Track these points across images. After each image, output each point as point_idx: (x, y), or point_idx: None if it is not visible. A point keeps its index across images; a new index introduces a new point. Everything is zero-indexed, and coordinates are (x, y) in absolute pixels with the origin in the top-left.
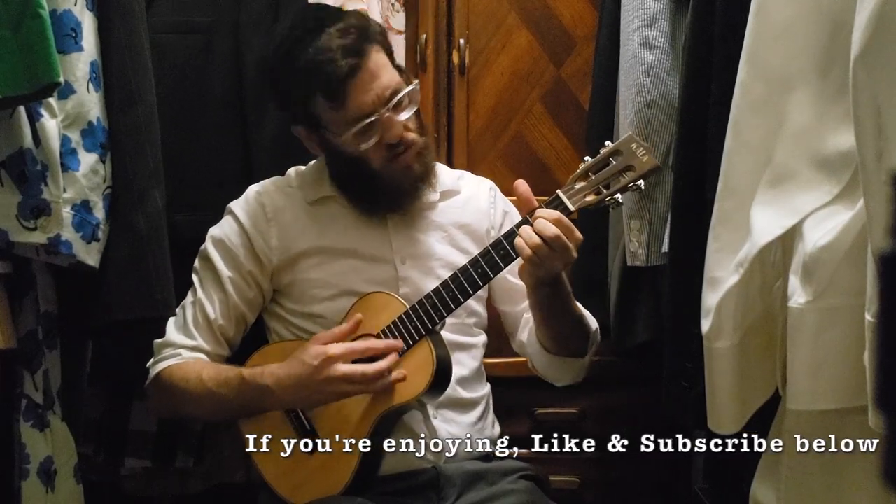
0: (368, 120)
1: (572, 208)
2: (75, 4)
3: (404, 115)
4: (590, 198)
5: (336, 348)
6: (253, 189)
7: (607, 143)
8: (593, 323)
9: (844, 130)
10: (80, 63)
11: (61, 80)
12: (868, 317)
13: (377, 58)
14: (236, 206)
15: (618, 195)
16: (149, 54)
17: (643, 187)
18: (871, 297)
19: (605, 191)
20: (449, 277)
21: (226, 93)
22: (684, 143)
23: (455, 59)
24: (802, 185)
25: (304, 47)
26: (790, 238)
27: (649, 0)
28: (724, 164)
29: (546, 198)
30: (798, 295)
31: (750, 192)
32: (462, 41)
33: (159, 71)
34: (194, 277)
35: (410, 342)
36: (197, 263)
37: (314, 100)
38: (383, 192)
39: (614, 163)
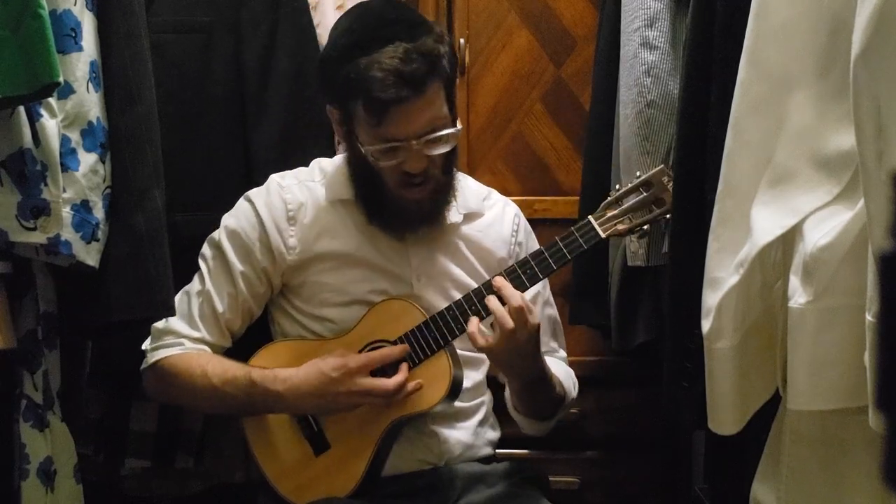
0: (396, 144)
1: (603, 235)
2: (75, 4)
3: (434, 152)
4: (621, 227)
5: (355, 361)
6: (275, 181)
7: (638, 173)
8: (570, 391)
9: (844, 130)
10: (80, 63)
11: (61, 80)
12: (868, 317)
13: (433, 95)
14: (257, 197)
15: (647, 226)
16: (149, 54)
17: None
18: (871, 297)
19: (634, 221)
20: (472, 290)
21: (226, 92)
22: (684, 143)
23: None
24: (802, 185)
25: (363, 53)
26: (790, 238)
27: (649, 0)
28: (724, 164)
29: (547, 198)
30: (798, 295)
31: (750, 192)
32: (462, 41)
33: (159, 71)
34: (202, 264)
35: (428, 352)
36: (207, 251)
37: (354, 103)
38: (390, 213)
39: (645, 194)
